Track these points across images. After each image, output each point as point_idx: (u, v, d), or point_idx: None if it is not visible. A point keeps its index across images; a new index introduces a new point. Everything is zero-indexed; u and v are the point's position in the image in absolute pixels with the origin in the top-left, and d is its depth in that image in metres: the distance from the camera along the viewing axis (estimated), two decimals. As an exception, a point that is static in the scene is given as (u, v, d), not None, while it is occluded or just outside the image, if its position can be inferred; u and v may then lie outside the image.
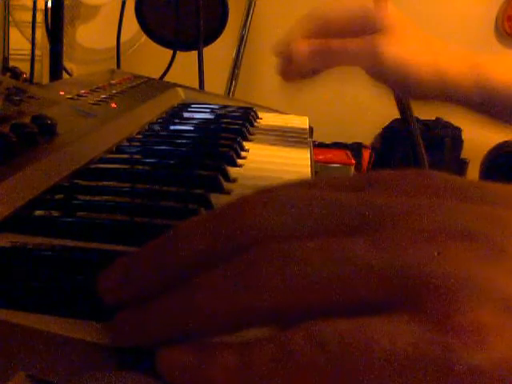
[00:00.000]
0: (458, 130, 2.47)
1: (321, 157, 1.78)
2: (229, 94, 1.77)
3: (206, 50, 1.21)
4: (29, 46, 1.27)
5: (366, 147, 2.43)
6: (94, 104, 0.64)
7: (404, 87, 0.63)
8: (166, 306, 0.21)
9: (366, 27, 0.61)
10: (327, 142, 2.13)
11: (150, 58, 1.36)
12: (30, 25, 1.24)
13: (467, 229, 0.20)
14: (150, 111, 0.71)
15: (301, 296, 0.19)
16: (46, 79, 1.19)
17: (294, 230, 0.21)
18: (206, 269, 0.21)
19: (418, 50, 0.60)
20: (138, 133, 0.62)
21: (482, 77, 0.59)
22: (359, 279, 0.19)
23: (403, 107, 1.32)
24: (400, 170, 0.23)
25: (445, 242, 0.19)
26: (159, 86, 0.89)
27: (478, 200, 0.21)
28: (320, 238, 0.20)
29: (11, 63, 1.44)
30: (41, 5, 1.23)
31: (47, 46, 1.00)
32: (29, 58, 1.23)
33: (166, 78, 1.16)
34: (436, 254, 0.19)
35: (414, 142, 1.34)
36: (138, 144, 0.58)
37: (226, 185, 0.45)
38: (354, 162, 1.87)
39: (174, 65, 1.21)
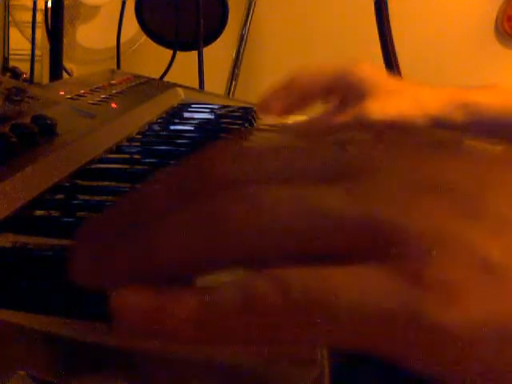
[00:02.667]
0: (457, 130, 2.47)
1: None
2: (229, 94, 1.77)
3: (206, 50, 1.21)
4: (29, 45, 1.27)
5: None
6: (93, 104, 0.64)
7: None
8: (127, 246, 0.20)
9: (348, 92, 0.62)
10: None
11: (150, 58, 1.36)
12: (30, 25, 1.24)
13: (447, 183, 0.19)
14: (150, 111, 0.71)
15: (269, 243, 0.19)
16: (46, 79, 1.19)
17: (263, 177, 0.20)
18: (169, 213, 0.20)
19: (405, 101, 0.61)
20: (138, 133, 0.62)
21: (474, 113, 0.60)
22: (330, 229, 0.18)
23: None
24: (379, 124, 0.22)
25: (422, 195, 0.18)
26: (159, 86, 0.89)
27: (461, 155, 0.20)
28: (292, 185, 0.19)
29: (11, 63, 1.44)
30: (41, 5, 1.23)
31: (47, 46, 1.00)
32: (29, 58, 1.23)
33: (166, 78, 1.16)
34: (412, 206, 0.18)
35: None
36: (137, 144, 0.57)
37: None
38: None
39: (174, 65, 1.21)
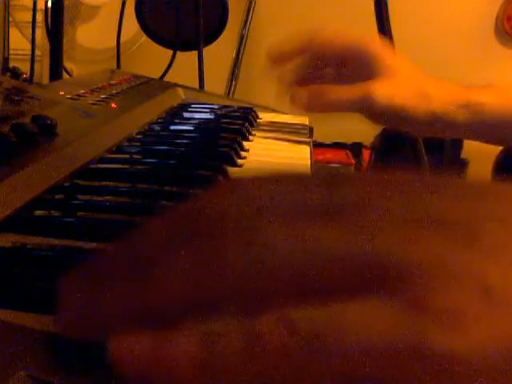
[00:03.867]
0: (458, 130, 2.46)
1: (321, 157, 1.78)
2: (229, 94, 1.77)
3: (206, 50, 1.21)
4: (29, 45, 1.27)
5: (365, 147, 2.42)
6: (94, 104, 0.64)
7: (399, 127, 0.66)
8: (122, 291, 0.20)
9: (361, 64, 0.63)
10: (327, 142, 2.13)
11: (150, 58, 1.36)
12: (30, 25, 1.24)
13: (441, 217, 0.19)
14: (150, 111, 0.71)
15: (269, 282, 0.18)
16: (46, 79, 1.19)
17: (261, 215, 0.20)
18: (166, 255, 0.20)
19: (411, 92, 0.61)
20: (138, 133, 0.62)
21: (475, 112, 0.60)
22: (331, 266, 0.18)
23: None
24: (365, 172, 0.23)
25: (418, 228, 0.19)
26: (159, 86, 0.89)
27: (451, 191, 0.20)
28: (290, 223, 0.19)
29: (11, 63, 1.44)
30: (41, 5, 1.23)
31: (47, 46, 1.00)
32: (29, 58, 1.23)
33: (166, 78, 1.16)
34: (408, 239, 0.18)
35: (414, 142, 1.34)
36: (138, 144, 0.58)
37: (226, 185, 0.45)
38: (353, 161, 1.87)
39: (174, 65, 1.21)
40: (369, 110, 0.62)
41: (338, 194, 0.20)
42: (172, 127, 0.67)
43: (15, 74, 1.27)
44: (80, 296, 0.20)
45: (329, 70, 0.67)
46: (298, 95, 0.64)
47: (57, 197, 0.39)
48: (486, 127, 0.61)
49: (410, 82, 0.62)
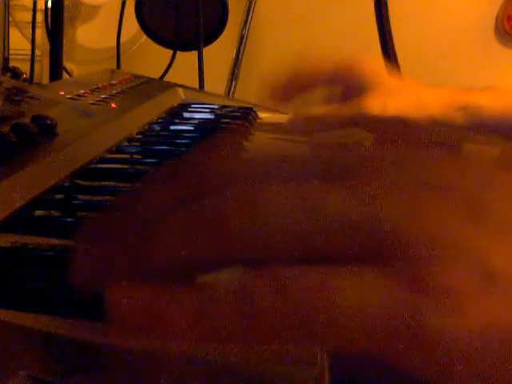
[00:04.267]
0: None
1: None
2: (229, 94, 1.77)
3: (206, 50, 1.21)
4: (29, 45, 1.27)
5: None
6: (93, 104, 0.64)
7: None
8: (126, 246, 0.20)
9: (350, 85, 0.63)
10: (327, 142, 2.14)
11: (150, 58, 1.36)
12: (30, 25, 1.24)
13: (450, 185, 0.19)
14: (150, 111, 0.71)
15: (266, 242, 0.18)
16: (46, 79, 1.19)
17: (265, 175, 0.20)
18: (169, 213, 0.20)
19: (405, 102, 0.61)
20: (138, 133, 0.62)
21: (474, 115, 0.60)
22: (331, 230, 0.18)
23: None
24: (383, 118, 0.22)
25: (424, 197, 0.18)
26: (159, 86, 0.89)
27: (464, 157, 0.20)
28: (293, 183, 0.19)
29: (11, 63, 1.44)
30: (41, 5, 1.22)
31: (47, 46, 1.00)
32: (29, 57, 1.23)
33: (166, 78, 1.16)
34: (414, 209, 0.18)
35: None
36: (138, 144, 0.58)
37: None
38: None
39: (173, 65, 1.21)
40: (365, 123, 0.62)
41: (349, 154, 0.20)
42: (172, 127, 0.67)
43: (15, 73, 1.27)
44: (89, 249, 0.21)
45: (321, 92, 0.67)
46: (296, 120, 0.64)
47: (57, 197, 0.39)
48: (486, 130, 0.61)
49: (403, 93, 0.62)
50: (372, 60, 0.66)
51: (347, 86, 0.63)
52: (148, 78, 0.91)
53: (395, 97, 0.62)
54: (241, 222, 0.19)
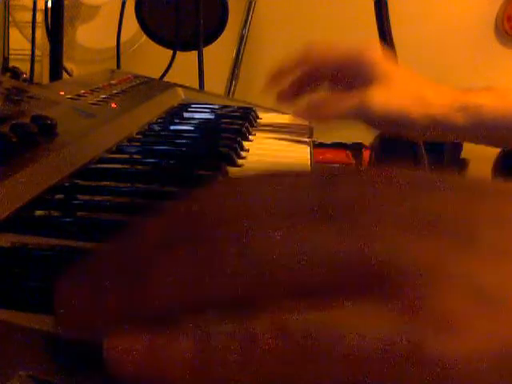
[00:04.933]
0: (458, 130, 2.46)
1: (320, 157, 1.78)
2: (229, 94, 1.77)
3: (206, 50, 1.21)
4: (29, 45, 1.27)
5: (365, 147, 2.42)
6: (93, 104, 0.64)
7: (398, 132, 0.66)
8: (118, 290, 0.20)
9: (357, 74, 0.63)
10: (327, 142, 2.13)
11: (150, 58, 1.36)
12: (30, 25, 1.24)
13: (438, 218, 0.19)
14: (150, 111, 0.71)
15: (263, 282, 0.18)
16: (46, 79, 1.19)
17: (256, 216, 0.20)
18: (161, 255, 0.20)
19: (408, 97, 0.61)
20: (138, 133, 0.62)
21: (474, 115, 0.60)
22: (326, 269, 0.18)
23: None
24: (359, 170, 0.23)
25: (415, 230, 0.18)
26: (159, 86, 0.89)
27: (449, 191, 0.20)
28: (285, 223, 0.19)
29: (11, 63, 1.44)
30: (41, 5, 1.22)
31: (47, 46, 1.00)
32: (29, 57, 1.23)
33: (166, 78, 1.16)
34: (405, 241, 0.18)
35: (413, 142, 1.34)
36: (138, 144, 0.58)
37: (226, 185, 0.45)
38: (353, 162, 1.87)
39: (174, 65, 1.21)
40: (366, 117, 0.62)
41: (336, 193, 0.20)
42: (172, 127, 0.67)
43: (15, 73, 1.27)
44: (76, 296, 0.20)
45: (327, 81, 0.67)
46: (298, 106, 0.64)
47: (57, 197, 0.39)
48: (486, 129, 0.61)
49: (406, 88, 0.62)
50: (380, 49, 0.66)
51: (355, 74, 0.63)
52: (148, 78, 0.91)
53: (398, 92, 0.62)
54: (234, 261, 0.19)
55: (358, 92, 0.62)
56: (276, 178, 0.22)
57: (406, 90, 0.62)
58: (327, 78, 0.67)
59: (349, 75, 0.64)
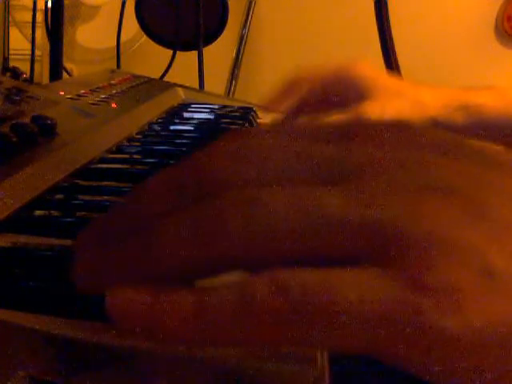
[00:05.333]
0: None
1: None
2: (229, 94, 1.77)
3: (206, 50, 1.21)
4: (29, 45, 1.27)
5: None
6: (93, 104, 0.64)
7: None
8: (126, 249, 0.20)
9: (348, 90, 0.63)
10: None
11: (150, 58, 1.36)
12: (30, 25, 1.24)
13: (450, 186, 0.19)
14: (150, 111, 0.71)
15: (265, 244, 0.18)
16: (46, 79, 1.19)
17: (264, 179, 0.20)
18: (169, 215, 0.20)
19: (404, 103, 0.61)
20: (138, 133, 0.62)
21: (474, 114, 0.60)
22: (330, 230, 0.18)
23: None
24: (382, 123, 0.22)
25: (425, 198, 0.18)
26: (159, 86, 0.89)
27: (464, 157, 0.20)
28: (292, 186, 0.19)
29: (11, 63, 1.44)
30: (41, 5, 1.22)
31: (47, 46, 1.00)
32: (29, 57, 1.23)
33: (166, 78, 1.16)
34: (413, 209, 0.18)
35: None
36: (138, 144, 0.58)
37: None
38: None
39: (173, 65, 1.21)
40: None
41: (348, 155, 0.20)
42: (172, 127, 0.67)
43: (15, 73, 1.27)
44: (91, 252, 0.21)
45: (319, 104, 0.67)
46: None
47: (57, 197, 0.39)
48: (486, 129, 0.61)
49: (402, 96, 0.62)
50: (368, 63, 0.66)
51: (346, 92, 0.63)
52: (148, 78, 0.91)
53: (394, 99, 0.61)
54: (240, 223, 0.19)
55: (351, 108, 0.62)
56: (284, 140, 0.21)
57: (402, 98, 0.62)
58: (319, 100, 0.66)
59: (340, 93, 0.64)
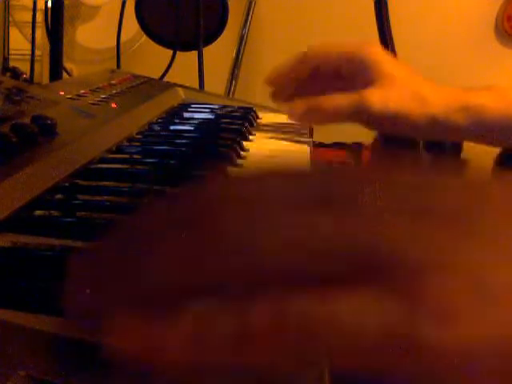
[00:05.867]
0: (458, 130, 2.46)
1: (320, 157, 1.78)
2: (229, 94, 1.77)
3: (206, 50, 1.21)
4: (29, 46, 1.27)
5: (366, 147, 2.43)
6: (93, 104, 0.64)
7: (398, 132, 0.65)
8: (122, 270, 0.20)
9: (358, 71, 0.63)
10: (327, 142, 2.14)
11: (150, 58, 1.36)
12: (30, 25, 1.24)
13: (440, 207, 0.19)
14: (150, 111, 0.71)
15: (264, 268, 0.19)
16: (46, 79, 1.19)
17: (261, 200, 0.20)
18: (167, 239, 0.20)
19: (407, 96, 0.61)
20: (138, 133, 0.62)
21: (475, 114, 0.60)
22: (326, 256, 0.18)
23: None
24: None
25: (416, 219, 0.19)
26: (159, 86, 0.89)
27: (449, 183, 0.20)
28: (285, 212, 0.19)
29: (11, 63, 1.44)
30: (41, 5, 1.23)
31: (47, 46, 1.00)
32: (29, 57, 1.23)
33: (166, 78, 1.16)
34: (405, 231, 0.18)
35: (414, 142, 1.34)
36: (138, 144, 0.58)
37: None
38: (353, 162, 1.87)
39: (173, 65, 1.21)
40: (364, 117, 0.62)
41: (337, 185, 0.20)
42: (172, 127, 0.67)
43: (15, 73, 1.27)
44: (83, 280, 0.21)
45: (326, 81, 0.67)
46: (296, 107, 0.64)
47: (57, 197, 0.39)
48: (486, 129, 0.61)
49: (406, 87, 0.62)
50: (380, 48, 0.66)
51: (356, 72, 0.63)
52: (148, 78, 0.91)
53: (398, 90, 0.61)
54: (236, 248, 0.19)
55: (356, 92, 0.62)
56: (278, 172, 0.22)
57: (405, 89, 0.62)
58: (327, 77, 0.66)
59: (350, 72, 0.64)
